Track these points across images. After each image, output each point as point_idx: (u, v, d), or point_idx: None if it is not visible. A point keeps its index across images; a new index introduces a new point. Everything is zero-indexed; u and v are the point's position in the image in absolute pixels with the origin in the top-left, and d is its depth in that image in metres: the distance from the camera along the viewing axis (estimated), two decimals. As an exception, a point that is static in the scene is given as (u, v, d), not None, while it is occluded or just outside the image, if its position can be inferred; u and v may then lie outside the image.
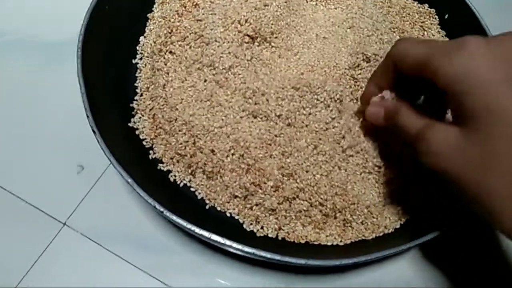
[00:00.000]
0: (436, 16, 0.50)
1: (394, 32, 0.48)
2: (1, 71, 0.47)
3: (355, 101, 0.42)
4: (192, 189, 0.39)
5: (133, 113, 0.42)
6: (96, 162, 0.42)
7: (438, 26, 0.49)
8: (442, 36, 0.49)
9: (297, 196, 0.38)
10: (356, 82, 0.43)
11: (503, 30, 0.44)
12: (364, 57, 0.43)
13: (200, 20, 0.43)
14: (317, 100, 0.40)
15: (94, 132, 0.35)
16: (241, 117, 0.39)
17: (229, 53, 0.41)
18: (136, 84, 0.43)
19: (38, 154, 0.42)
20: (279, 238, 0.37)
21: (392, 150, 0.39)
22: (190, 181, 0.39)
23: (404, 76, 0.33)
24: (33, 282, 0.37)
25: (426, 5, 0.50)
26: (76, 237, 0.38)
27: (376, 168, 0.39)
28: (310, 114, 0.39)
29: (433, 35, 0.49)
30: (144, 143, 0.41)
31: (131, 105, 0.42)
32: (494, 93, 0.26)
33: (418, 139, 0.31)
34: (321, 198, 0.37)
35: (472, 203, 0.28)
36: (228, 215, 0.38)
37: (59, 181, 0.41)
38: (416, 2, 0.51)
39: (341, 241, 0.37)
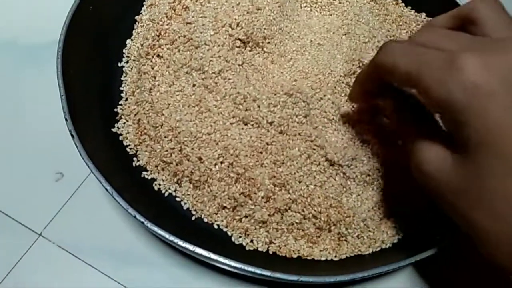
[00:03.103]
0: (434, 25, 0.48)
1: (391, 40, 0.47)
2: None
3: (351, 109, 0.40)
4: (177, 199, 0.37)
5: (117, 118, 0.40)
6: (77, 169, 0.39)
7: (436, 35, 0.48)
8: (440, 45, 0.47)
9: (289, 208, 0.35)
10: (351, 89, 0.41)
11: None
12: (361, 64, 0.41)
13: (190, 23, 0.42)
14: (311, 107, 0.38)
15: (72, 136, 0.33)
16: (231, 124, 0.37)
17: (219, 57, 0.39)
18: (121, 88, 0.41)
19: (15, 161, 0.40)
20: (270, 252, 0.35)
21: (391, 160, 0.37)
22: (175, 190, 0.37)
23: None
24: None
25: (424, 14, 0.49)
26: (52, 249, 0.36)
27: (373, 180, 0.37)
28: (303, 122, 0.38)
29: (430, 44, 0.47)
30: (128, 149, 0.38)
31: (115, 109, 0.40)
32: (493, 124, 0.23)
33: (410, 153, 0.29)
34: (315, 210, 0.35)
35: (456, 221, 0.27)
36: (216, 227, 0.36)
37: (36, 189, 0.39)
38: (413, 11, 0.50)
39: (335, 256, 0.35)
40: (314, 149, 0.37)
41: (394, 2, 0.50)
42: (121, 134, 0.39)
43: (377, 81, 0.31)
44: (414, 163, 0.28)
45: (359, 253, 0.36)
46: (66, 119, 0.33)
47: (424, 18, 0.49)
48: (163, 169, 0.38)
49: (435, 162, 0.27)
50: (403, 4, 0.50)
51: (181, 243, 0.29)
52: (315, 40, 0.43)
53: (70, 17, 0.37)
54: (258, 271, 0.29)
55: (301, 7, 0.47)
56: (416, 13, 0.49)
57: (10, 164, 0.40)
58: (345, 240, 0.36)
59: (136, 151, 0.38)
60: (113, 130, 0.39)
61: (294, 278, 0.29)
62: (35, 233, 0.37)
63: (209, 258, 0.29)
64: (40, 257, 0.36)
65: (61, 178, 0.39)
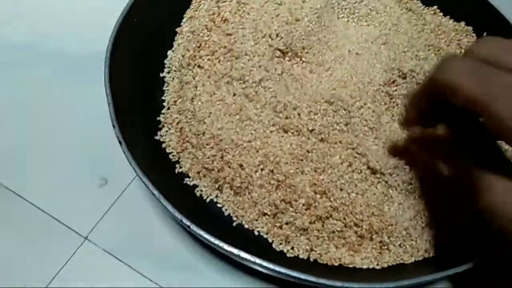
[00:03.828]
0: (474, 34, 0.48)
1: (430, 49, 0.46)
2: (26, 83, 0.46)
3: (391, 117, 0.40)
4: (218, 205, 0.37)
5: (159, 126, 0.41)
6: (120, 175, 0.40)
7: (476, 44, 0.47)
8: (480, 54, 0.47)
9: (331, 216, 0.35)
10: (391, 98, 0.41)
11: None
12: (400, 73, 0.41)
13: (230, 34, 0.43)
14: (352, 116, 0.38)
15: (120, 142, 0.34)
16: (271, 132, 0.38)
17: (260, 66, 0.40)
18: (163, 98, 0.43)
19: (62, 166, 0.41)
20: (311, 259, 0.35)
21: (433, 170, 0.37)
22: (217, 196, 0.38)
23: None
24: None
25: (463, 23, 0.48)
26: (97, 252, 0.37)
27: (415, 189, 0.37)
28: (344, 130, 0.38)
29: (470, 53, 0.47)
30: (170, 156, 0.39)
31: (158, 118, 0.41)
32: None
33: (478, 192, 0.25)
34: (356, 218, 0.35)
35: None
36: (256, 233, 0.36)
37: (82, 194, 0.40)
38: (452, 20, 0.49)
39: (377, 264, 0.35)
40: (356, 157, 0.37)
41: (432, 12, 0.50)
42: (163, 142, 0.40)
43: (434, 101, 0.28)
44: (479, 195, 0.25)
45: (401, 261, 0.35)
46: (113, 126, 0.34)
47: (463, 27, 0.48)
48: (204, 176, 0.38)
49: (502, 194, 0.24)
50: (442, 14, 0.50)
51: (226, 247, 0.30)
52: (353, 50, 0.44)
53: (117, 29, 0.39)
54: (302, 276, 0.29)
55: (338, 18, 0.47)
56: (455, 22, 0.49)
57: (58, 170, 0.41)
58: (387, 248, 0.35)
59: (179, 158, 0.39)
60: (156, 138, 0.40)
61: (338, 284, 0.29)
62: (81, 236, 0.38)
63: (254, 263, 0.30)
64: (86, 260, 0.37)
65: (105, 184, 0.40)
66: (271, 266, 0.29)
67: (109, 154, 0.40)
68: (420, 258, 0.35)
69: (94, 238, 0.38)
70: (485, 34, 0.47)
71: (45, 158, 0.42)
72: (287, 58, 0.42)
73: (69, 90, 0.46)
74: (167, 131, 0.40)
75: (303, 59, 0.42)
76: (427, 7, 0.50)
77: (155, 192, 0.32)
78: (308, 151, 0.37)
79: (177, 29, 0.46)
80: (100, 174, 0.41)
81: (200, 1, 0.47)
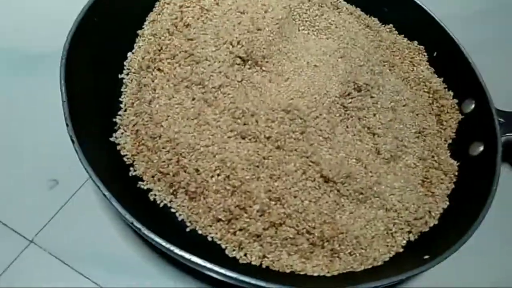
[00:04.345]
0: (425, 53, 0.50)
1: (385, 65, 0.49)
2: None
3: (346, 129, 0.41)
4: (172, 210, 0.37)
5: (115, 128, 0.40)
6: (72, 177, 0.39)
7: (427, 63, 0.50)
8: (431, 73, 0.49)
9: (284, 222, 0.36)
10: (346, 110, 0.42)
11: (493, 70, 0.46)
12: (355, 86, 0.43)
13: (191, 39, 0.43)
14: (307, 125, 0.39)
15: (72, 141, 0.33)
16: (228, 137, 0.38)
17: (220, 72, 0.40)
18: (120, 99, 0.42)
19: (10, 167, 0.40)
20: (263, 266, 0.35)
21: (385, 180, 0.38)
22: (171, 201, 0.37)
23: None
24: (-10, 303, 0.34)
25: (416, 42, 0.51)
26: (43, 256, 0.35)
27: (365, 198, 0.38)
28: (299, 138, 0.38)
29: (422, 71, 0.49)
30: (124, 159, 0.39)
31: (114, 119, 0.40)
32: None
33: None
34: (309, 226, 0.36)
35: None
36: (210, 239, 0.36)
37: (30, 195, 0.38)
38: (406, 38, 0.52)
39: (328, 272, 0.35)
40: (310, 165, 0.37)
41: (388, 30, 0.52)
42: (118, 144, 0.39)
43: None
44: None
45: (351, 269, 0.36)
46: (67, 125, 0.33)
47: (416, 46, 0.51)
48: (159, 180, 0.38)
49: None
50: (396, 32, 0.52)
51: (177, 251, 0.29)
52: (311, 61, 0.45)
53: (76, 26, 0.38)
54: (253, 281, 0.29)
55: (299, 30, 0.48)
56: (409, 41, 0.51)
57: (6, 170, 0.39)
58: (337, 256, 0.36)
59: (133, 161, 0.39)
60: (111, 139, 0.39)
61: (289, 290, 0.29)
62: (26, 239, 0.36)
63: (205, 267, 0.29)
64: (30, 264, 0.35)
65: (56, 186, 0.39)
66: (222, 271, 0.29)
67: (61, 155, 0.39)
68: (369, 266, 0.36)
69: (40, 241, 0.36)
70: (435, 53, 0.50)
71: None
72: (247, 66, 0.42)
73: (23, 88, 0.44)
74: (122, 133, 0.40)
75: (263, 68, 0.43)
76: (383, 25, 0.53)
77: (106, 193, 0.31)
78: (264, 158, 0.37)
79: (139, 31, 0.46)
80: (51, 175, 0.39)
81: (164, 5, 0.47)
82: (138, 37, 0.46)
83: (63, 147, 0.36)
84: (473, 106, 0.45)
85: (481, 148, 0.41)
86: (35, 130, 0.42)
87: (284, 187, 0.36)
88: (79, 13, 0.39)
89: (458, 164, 0.42)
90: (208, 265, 0.29)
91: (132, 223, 0.30)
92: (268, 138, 0.37)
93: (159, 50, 0.43)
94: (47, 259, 0.35)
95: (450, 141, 0.45)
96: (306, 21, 0.49)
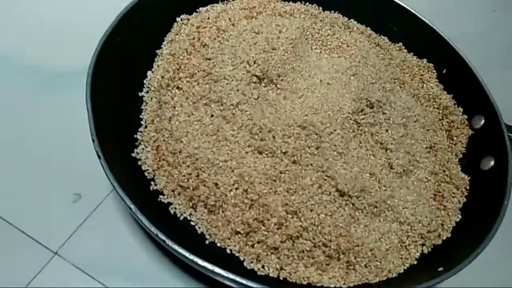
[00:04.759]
0: (434, 70, 0.52)
1: (395, 82, 0.50)
2: (2, 96, 0.46)
3: (359, 144, 0.42)
4: (192, 223, 0.38)
5: (136, 144, 0.41)
6: (95, 191, 0.41)
7: (437, 80, 0.51)
8: (441, 89, 0.50)
9: (301, 235, 0.37)
10: (359, 126, 0.43)
11: (501, 87, 0.47)
12: (368, 102, 0.44)
13: (209, 59, 0.44)
14: (322, 140, 0.40)
15: (99, 157, 0.34)
16: (246, 152, 0.39)
17: (237, 90, 0.41)
18: (141, 116, 0.43)
19: (35, 180, 0.41)
20: (280, 278, 0.36)
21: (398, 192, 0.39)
22: (190, 214, 0.38)
23: None
24: (19, 313, 0.35)
25: (425, 60, 0.52)
26: (67, 268, 0.37)
27: (380, 212, 0.39)
28: (315, 153, 0.40)
29: (431, 88, 0.50)
30: (146, 174, 0.40)
31: (135, 136, 0.42)
32: None
33: None
34: (325, 238, 0.36)
35: None
36: (229, 251, 0.37)
37: (54, 208, 0.40)
38: (416, 56, 0.53)
39: (344, 283, 0.36)
40: (325, 180, 0.38)
41: (397, 48, 0.54)
42: (139, 159, 0.41)
43: None
44: None
45: (367, 281, 0.37)
46: (93, 140, 0.35)
47: (426, 64, 0.52)
48: (179, 194, 0.39)
49: None
50: (406, 50, 0.54)
51: (200, 262, 0.30)
52: (324, 79, 0.46)
53: (101, 45, 0.40)
54: (274, 292, 0.30)
55: (311, 49, 0.50)
56: (418, 59, 0.53)
57: (31, 183, 0.41)
58: (353, 268, 0.37)
59: (154, 176, 0.40)
60: (132, 155, 0.41)
61: (307, 300, 0.30)
62: (51, 251, 0.37)
63: (227, 278, 0.30)
64: (55, 276, 0.36)
65: (79, 199, 0.40)
66: (243, 281, 0.30)
67: (84, 170, 0.41)
68: (384, 278, 0.37)
69: (64, 254, 0.37)
70: (444, 71, 0.51)
71: (18, 171, 0.41)
72: (263, 84, 0.43)
73: (48, 105, 0.46)
74: (143, 148, 0.41)
75: (278, 86, 0.44)
76: (393, 43, 0.54)
77: (132, 206, 0.32)
78: (281, 172, 0.38)
79: (158, 51, 0.48)
80: (74, 189, 0.41)
81: (181, 26, 0.49)
82: (157, 56, 0.48)
83: (85, 163, 0.38)
84: (482, 121, 0.46)
85: (492, 163, 0.42)
86: (57, 146, 0.43)
87: (301, 200, 0.37)
88: (103, 33, 0.41)
89: (469, 178, 0.43)
90: (231, 275, 0.30)
91: (156, 235, 0.31)
92: (284, 153, 0.39)
93: (178, 69, 0.45)
94: (72, 271, 0.36)
95: (460, 155, 0.46)
96: (318, 40, 0.51)
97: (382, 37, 0.54)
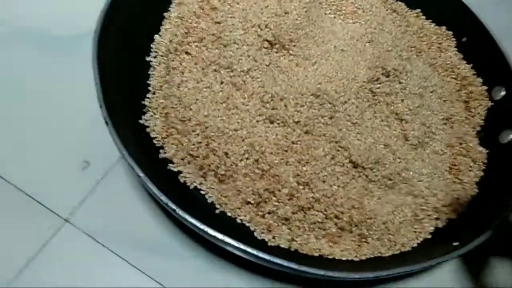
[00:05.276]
0: (454, 39, 0.50)
1: (412, 50, 0.48)
2: (9, 60, 0.45)
3: (374, 114, 0.41)
4: (202, 192, 0.37)
5: (144, 110, 0.40)
6: (103, 158, 0.40)
7: (455, 49, 0.49)
8: (459, 59, 0.48)
9: (312, 207, 0.36)
10: (374, 96, 0.42)
11: None
12: (384, 71, 0.42)
13: (219, 23, 0.43)
14: (336, 110, 0.39)
15: (106, 123, 0.33)
16: (257, 121, 0.38)
17: (248, 56, 0.40)
18: (148, 82, 0.42)
19: (43, 147, 0.40)
20: (292, 249, 0.36)
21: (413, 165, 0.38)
22: (200, 183, 0.37)
23: None
24: (30, 279, 0.34)
25: (444, 27, 0.50)
26: (78, 235, 0.36)
27: (393, 184, 0.38)
28: (328, 123, 0.38)
29: (450, 57, 0.48)
30: (154, 141, 0.39)
31: (142, 102, 0.40)
32: None
33: None
34: (337, 210, 0.36)
35: None
36: (239, 221, 0.36)
37: (63, 175, 0.39)
38: (434, 23, 0.51)
39: (356, 256, 0.36)
40: (338, 151, 0.37)
41: (415, 15, 0.51)
42: (148, 126, 0.39)
43: None
44: None
45: (379, 254, 0.36)
46: (100, 106, 0.33)
47: (444, 31, 0.50)
48: (189, 163, 0.38)
49: None
50: (424, 17, 0.51)
51: (211, 231, 0.30)
52: (338, 46, 0.44)
53: (106, 10, 0.38)
54: (285, 263, 0.30)
55: (325, 14, 0.48)
56: (436, 26, 0.51)
57: (40, 151, 0.40)
58: (365, 241, 0.36)
59: (163, 144, 0.39)
60: (140, 122, 0.39)
61: (320, 272, 0.30)
62: (61, 218, 0.37)
63: (238, 248, 0.30)
64: (65, 242, 0.36)
65: (87, 167, 0.40)
66: (255, 252, 0.30)
67: (92, 137, 0.39)
68: (397, 252, 0.36)
69: (74, 221, 0.37)
70: (464, 39, 0.49)
71: (26, 138, 0.41)
72: (274, 50, 0.42)
73: (54, 69, 0.44)
74: (151, 115, 0.40)
75: (290, 51, 0.43)
76: (410, 10, 0.52)
77: (141, 174, 0.31)
78: (293, 142, 0.37)
79: (165, 14, 0.46)
80: (83, 156, 0.40)
81: (190, -13, 0.47)
82: (165, 19, 0.46)
83: (94, 129, 0.37)
84: (503, 93, 0.44)
85: (511, 136, 0.41)
86: (65, 112, 0.42)
87: (313, 171, 0.36)
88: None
89: (487, 151, 0.42)
90: (242, 246, 0.30)
91: (167, 204, 0.30)
92: (297, 122, 0.38)
93: (186, 33, 0.43)
94: (82, 238, 0.36)
95: (478, 128, 0.44)
96: (332, 5, 0.48)
97: (399, 2, 0.52)
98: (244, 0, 0.44)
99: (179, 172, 0.38)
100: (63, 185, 0.38)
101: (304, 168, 0.37)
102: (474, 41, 0.48)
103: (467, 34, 0.49)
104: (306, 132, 0.38)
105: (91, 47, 0.36)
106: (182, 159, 0.38)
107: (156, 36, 0.45)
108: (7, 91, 0.43)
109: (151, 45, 0.44)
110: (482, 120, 0.44)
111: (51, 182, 0.38)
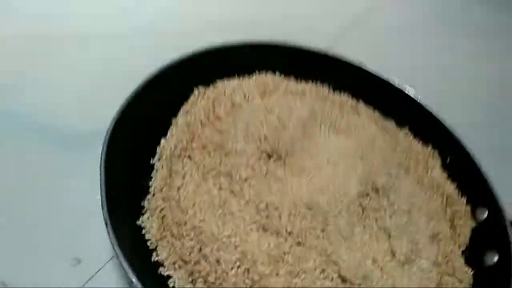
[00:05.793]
0: (439, 157, 0.53)
1: (400, 168, 0.51)
2: (14, 152, 0.47)
3: (363, 228, 0.42)
4: (190, 299, 0.37)
5: (142, 212, 0.42)
6: (94, 257, 0.40)
7: (441, 167, 0.52)
8: (445, 178, 0.51)
9: (301, 322, 0.36)
10: (363, 210, 0.44)
11: (502, 177, 0.47)
12: (373, 187, 0.44)
13: (222, 132, 0.46)
14: (328, 223, 0.40)
15: (106, 224, 0.34)
16: (251, 229, 0.39)
17: (247, 165, 0.42)
18: (150, 184, 0.44)
19: (34, 242, 0.41)
20: None
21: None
22: (189, 289, 0.38)
23: None
24: None
25: (430, 147, 0.53)
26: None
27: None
28: (320, 236, 0.40)
29: (435, 176, 0.51)
30: (148, 243, 0.40)
31: (142, 203, 0.42)
32: None
33: None
34: (325, 326, 0.36)
35: None
36: (226, 332, 0.36)
37: (52, 272, 0.39)
38: (421, 141, 0.54)
39: None
40: (329, 264, 0.38)
41: (404, 133, 0.55)
42: (144, 228, 0.40)
43: None
44: None
45: None
46: (102, 207, 0.35)
47: (430, 150, 0.53)
48: (180, 267, 0.38)
49: None
50: (412, 136, 0.55)
51: None
52: (331, 159, 0.47)
53: (119, 113, 0.41)
54: None
55: (320, 129, 0.51)
56: (423, 146, 0.54)
57: (30, 246, 0.41)
58: None
59: (156, 246, 0.40)
60: (137, 223, 0.41)
61: None
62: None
63: None
64: None
65: (78, 264, 0.40)
66: None
67: (85, 234, 0.40)
68: None
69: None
70: (448, 159, 0.52)
71: (16, 233, 0.41)
72: (271, 161, 0.44)
73: (60, 166, 0.47)
74: (149, 217, 0.41)
75: (286, 163, 0.45)
76: (399, 128, 0.56)
77: (134, 279, 0.32)
78: (284, 253, 0.38)
79: (173, 120, 0.49)
80: (74, 254, 0.40)
81: (198, 98, 0.51)
82: (172, 125, 0.49)
83: (88, 227, 0.38)
84: (486, 214, 0.46)
85: (496, 258, 0.42)
86: (59, 207, 0.44)
87: (303, 285, 0.37)
88: (124, 99, 0.43)
89: (472, 272, 0.43)
90: None
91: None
92: (289, 233, 0.39)
93: (191, 140, 0.46)
94: None
95: (464, 247, 0.45)
96: (327, 121, 0.52)
97: (389, 120, 0.56)
98: (247, 113, 0.48)
99: (169, 276, 0.38)
100: (51, 282, 0.38)
101: (294, 280, 0.37)
102: (457, 161, 0.51)
103: (451, 154, 0.52)
104: (298, 243, 0.39)
105: (101, 150, 0.39)
106: (174, 263, 0.39)
107: (163, 140, 0.48)
108: (8, 183, 0.45)
109: (157, 149, 0.47)
110: (467, 239, 0.46)
111: (38, 279, 0.38)
